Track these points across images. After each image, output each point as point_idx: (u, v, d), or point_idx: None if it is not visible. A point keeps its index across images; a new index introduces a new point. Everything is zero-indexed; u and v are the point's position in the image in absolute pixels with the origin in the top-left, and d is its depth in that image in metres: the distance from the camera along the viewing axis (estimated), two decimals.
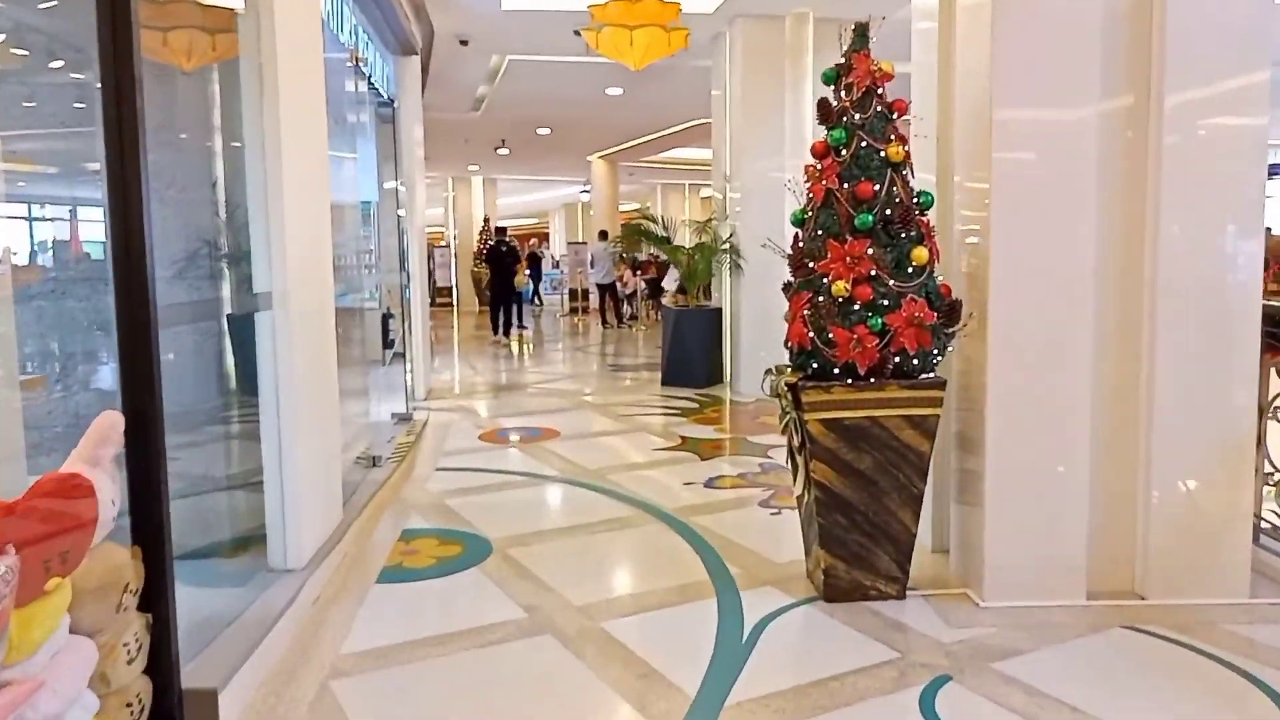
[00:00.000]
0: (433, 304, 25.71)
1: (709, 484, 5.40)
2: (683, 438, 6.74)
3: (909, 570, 3.51)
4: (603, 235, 17.63)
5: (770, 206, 8.59)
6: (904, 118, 3.50)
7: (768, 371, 3.82)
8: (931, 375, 3.44)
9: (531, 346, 14.15)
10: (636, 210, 33.56)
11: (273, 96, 3.49)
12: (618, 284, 17.53)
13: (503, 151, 18.60)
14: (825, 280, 3.36)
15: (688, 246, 9.03)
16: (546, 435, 6.85)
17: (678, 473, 5.72)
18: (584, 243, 22.24)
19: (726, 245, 8.82)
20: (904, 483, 3.44)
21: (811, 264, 3.45)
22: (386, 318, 7.32)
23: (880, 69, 3.45)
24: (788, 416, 3.58)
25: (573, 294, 21.33)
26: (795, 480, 3.72)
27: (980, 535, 3.51)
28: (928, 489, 3.54)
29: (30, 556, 1.46)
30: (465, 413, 7.92)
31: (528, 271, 25.83)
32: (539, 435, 6.86)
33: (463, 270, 26.28)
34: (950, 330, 3.41)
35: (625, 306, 18.64)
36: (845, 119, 3.44)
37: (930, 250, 3.36)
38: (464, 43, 9.12)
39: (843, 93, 3.50)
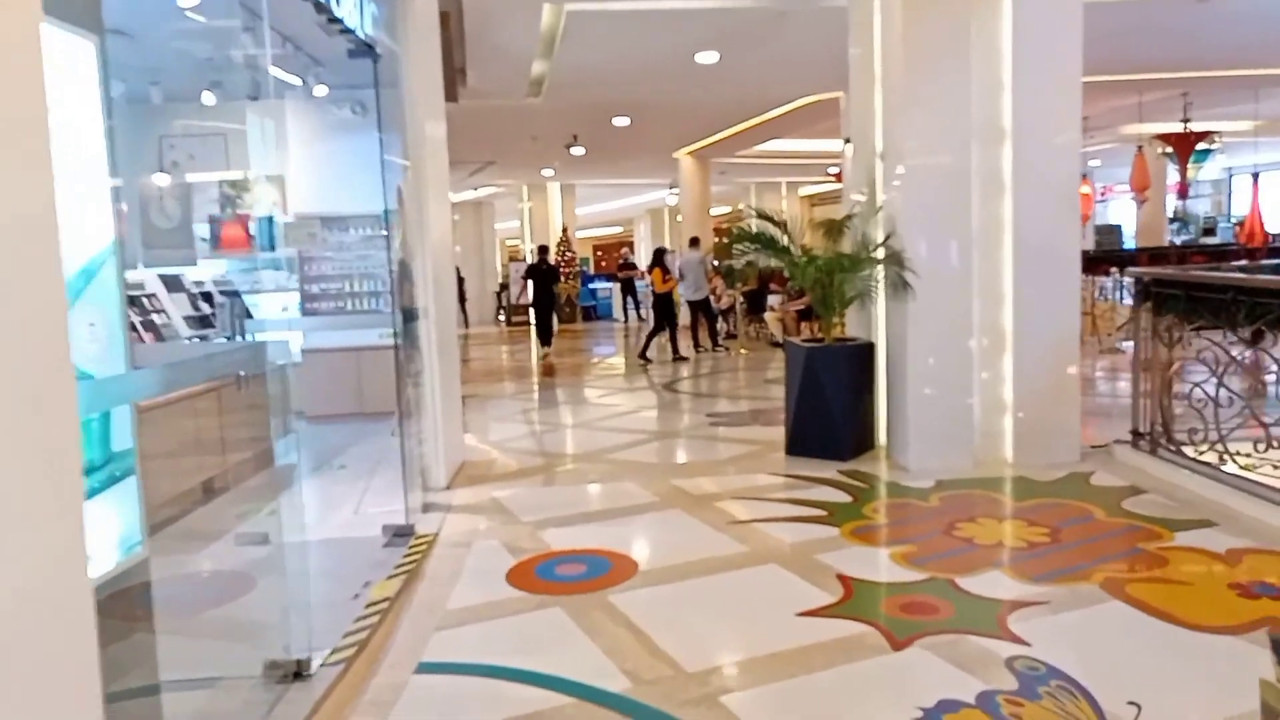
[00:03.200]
0: (509, 324, 23.59)
1: None
2: (846, 581, 3.96)
3: None
4: (694, 243, 14.88)
5: (951, 195, 5.76)
6: None
7: None
8: None
9: (626, 374, 11.54)
10: (727, 215, 30.80)
11: None
12: (711, 299, 14.74)
13: (577, 151, 16.07)
14: None
15: (820, 258, 6.23)
16: (616, 572, 4.17)
17: (857, 684, 2.97)
18: (672, 251, 19.58)
19: (882, 254, 6.01)
20: None
21: None
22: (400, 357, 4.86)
23: None
24: None
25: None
26: None
27: None
28: None
29: None
30: (499, 515, 5.29)
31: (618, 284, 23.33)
32: (604, 573, 4.18)
33: None
34: None
35: (720, 324, 15.83)
36: None
37: None
38: None
39: None
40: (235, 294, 7.78)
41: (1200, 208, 24.51)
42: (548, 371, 13.00)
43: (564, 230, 23.92)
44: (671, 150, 17.63)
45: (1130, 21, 8.64)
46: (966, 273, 5.86)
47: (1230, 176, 24.57)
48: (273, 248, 8.82)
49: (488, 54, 8.79)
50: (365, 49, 4.70)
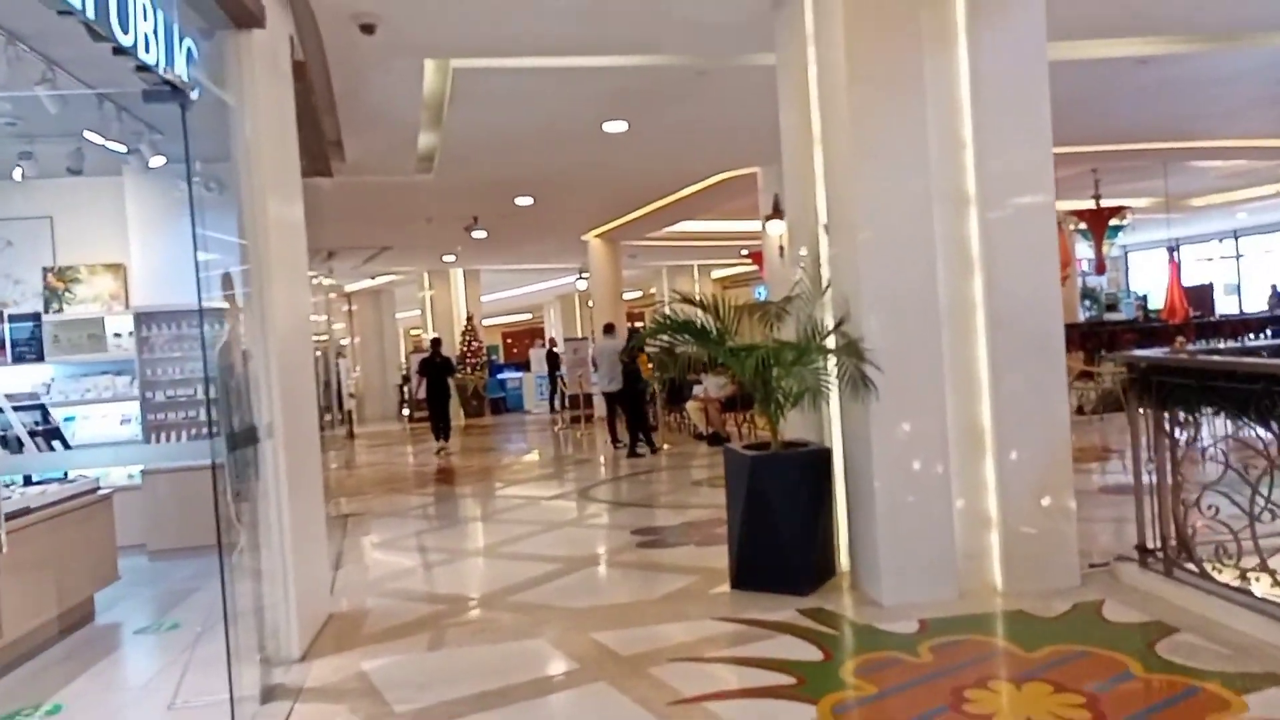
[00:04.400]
0: (411, 419, 22.01)
1: None
2: None
3: None
4: (608, 329, 13.85)
5: (913, 269, 4.87)
6: None
7: None
8: None
9: (538, 477, 10.25)
10: (639, 299, 30.09)
11: None
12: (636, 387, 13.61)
13: (479, 234, 15.02)
14: None
15: (761, 348, 5.20)
16: None
17: None
18: (584, 338, 18.56)
19: (833, 342, 5.03)
20: None
21: None
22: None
23: None
24: None
25: (573, 401, 17.50)
26: None
27: None
28: None
29: None
30: (365, 702, 3.96)
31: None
32: None
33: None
34: None
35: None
36: None
37: None
38: (367, 29, 5.48)
39: None
40: (36, 409, 6.29)
41: (1100, 284, 24.87)
42: (447, 478, 11.63)
43: (469, 319, 22.69)
44: (580, 233, 16.77)
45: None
46: (935, 362, 4.91)
47: (1126, 253, 25.04)
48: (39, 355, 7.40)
49: (365, 121, 7.70)
50: (167, 91, 3.51)
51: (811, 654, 4.19)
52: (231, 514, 3.98)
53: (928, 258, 4.91)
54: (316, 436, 5.34)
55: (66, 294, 7.87)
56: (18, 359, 7.15)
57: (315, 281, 18.80)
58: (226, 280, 4.23)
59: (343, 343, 27.15)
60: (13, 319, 7.26)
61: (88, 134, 5.79)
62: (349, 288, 24.55)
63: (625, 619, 4.91)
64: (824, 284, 5.33)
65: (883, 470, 4.84)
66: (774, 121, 5.90)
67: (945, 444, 4.91)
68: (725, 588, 5.33)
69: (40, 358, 7.30)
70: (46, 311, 7.73)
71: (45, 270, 7.83)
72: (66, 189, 7.64)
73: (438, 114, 7.88)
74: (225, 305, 4.17)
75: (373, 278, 23.13)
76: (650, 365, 13.59)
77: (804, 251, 5.62)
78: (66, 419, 7.73)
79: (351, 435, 19.17)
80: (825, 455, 5.25)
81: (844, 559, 5.40)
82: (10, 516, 4.76)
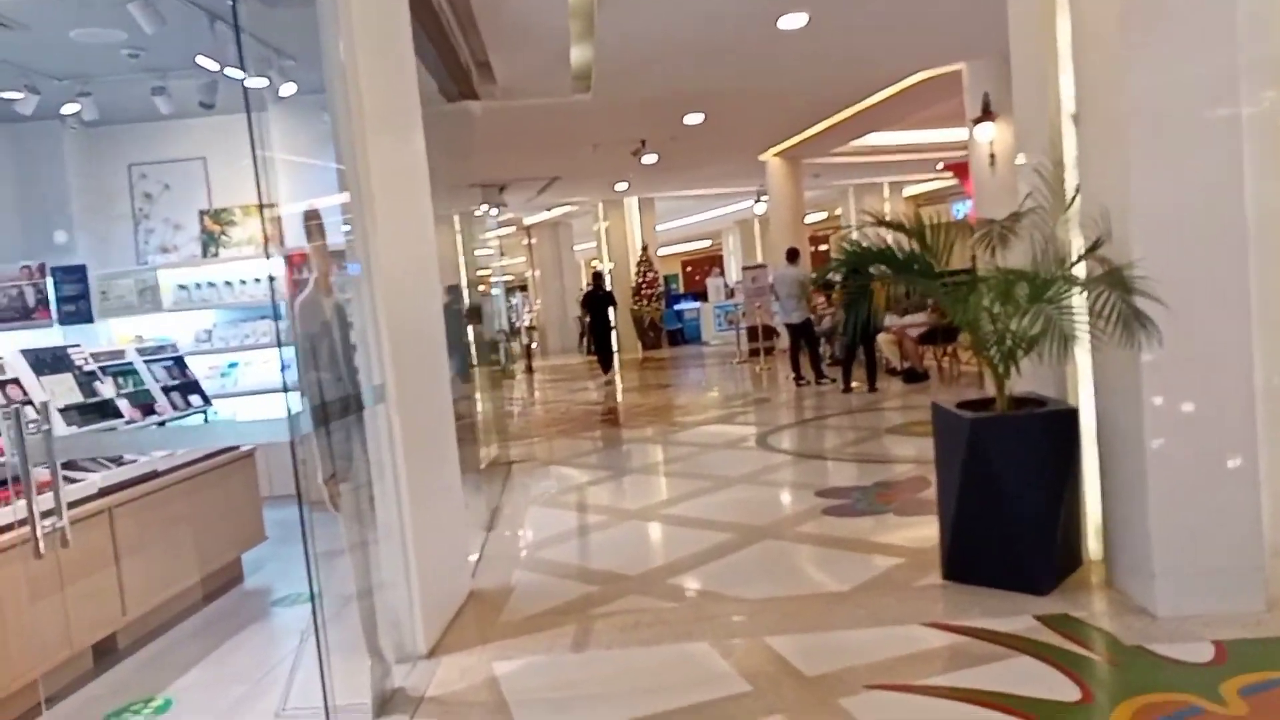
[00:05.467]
0: (588, 353, 21.74)
1: None
2: None
3: None
4: (792, 255, 12.67)
5: (1209, 172, 3.55)
6: None
7: None
8: None
9: (714, 417, 9.46)
10: (823, 222, 28.26)
11: None
12: (812, 320, 12.50)
13: (648, 159, 14.13)
14: None
15: (990, 279, 4.04)
16: None
17: None
18: (763, 265, 17.37)
19: (1084, 270, 3.80)
20: None
21: None
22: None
23: None
24: None
25: (751, 333, 16.47)
26: None
27: None
28: None
29: None
30: (490, 718, 3.29)
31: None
32: None
33: (621, 310, 22.08)
34: None
35: (824, 347, 13.51)
36: None
37: None
38: None
39: None
40: (172, 360, 6.00)
41: None
42: (616, 419, 11.03)
43: (644, 249, 22.01)
44: (757, 152, 15.51)
45: None
46: (1239, 297, 3.58)
47: None
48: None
49: (511, 36, 6.89)
50: None
51: (1063, 688, 3.13)
52: (326, 500, 3.35)
53: (1230, 157, 3.54)
54: (448, 391, 4.67)
55: (223, 237, 7.65)
56: (65, 320, 6.83)
57: (492, 214, 18.65)
58: (313, 221, 3.54)
59: (526, 275, 27.27)
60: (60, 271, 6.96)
61: (201, 60, 5.29)
62: (527, 221, 24.41)
63: (809, 618, 3.99)
64: (1070, 194, 4.06)
65: (1160, 439, 3.61)
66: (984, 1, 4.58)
67: (1250, 405, 3.61)
68: (935, 578, 4.30)
69: (88, 318, 6.94)
70: (204, 255, 7.55)
71: (201, 214, 7.63)
72: (218, 128, 7.36)
73: (588, 22, 6.95)
74: (310, 251, 3.49)
75: (548, 210, 22.82)
76: (831, 303, 12.40)
77: (1024, 159, 4.33)
78: (230, 365, 7.58)
79: (530, 370, 19.11)
80: (1070, 417, 4.05)
81: (1092, 544, 4.22)
82: (136, 482, 4.42)
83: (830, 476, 6.86)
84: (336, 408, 3.38)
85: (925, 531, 4.86)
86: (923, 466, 6.30)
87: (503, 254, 26.50)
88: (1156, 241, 3.57)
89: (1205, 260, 3.58)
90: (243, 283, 7.49)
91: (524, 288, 28.98)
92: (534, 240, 25.81)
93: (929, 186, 23.72)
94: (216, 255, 7.56)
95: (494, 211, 17.91)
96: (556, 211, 23.19)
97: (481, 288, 18.72)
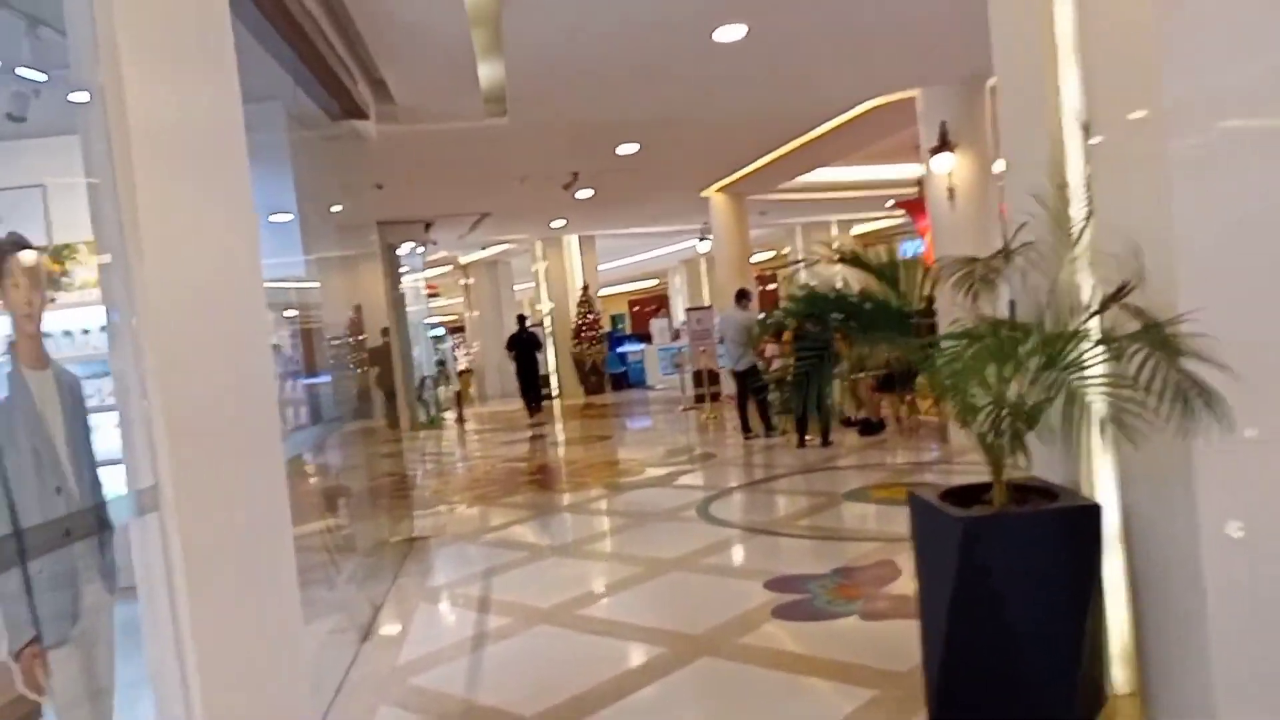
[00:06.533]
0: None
1: None
2: None
3: None
4: (741, 296, 11.76)
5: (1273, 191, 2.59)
6: None
7: None
8: None
9: (654, 479, 8.39)
10: (771, 260, 27.57)
11: None
12: (759, 366, 11.55)
13: (583, 194, 13.21)
14: None
15: (978, 333, 3.09)
16: None
17: None
18: (708, 307, 16.46)
19: (1116, 325, 2.87)
20: None
21: None
22: None
23: None
24: None
25: (697, 378, 15.50)
26: None
27: None
28: None
29: None
30: None
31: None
32: None
33: (562, 353, 21.04)
34: None
35: (773, 393, 12.54)
36: None
37: None
38: None
39: None
40: None
41: None
42: (544, 481, 9.94)
43: (584, 289, 21.04)
44: (699, 188, 14.68)
45: None
46: None
47: None
48: None
49: (401, 45, 5.88)
50: None
51: None
52: (18, 681, 2.23)
53: None
54: (280, 474, 3.55)
55: (64, 279, 6.46)
56: None
57: (418, 252, 17.49)
58: (5, 253, 2.46)
59: (465, 316, 26.02)
60: None
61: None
62: (463, 259, 23.31)
63: None
64: (1077, 224, 3.15)
65: (1221, 546, 2.67)
66: (944, 14, 3.69)
67: None
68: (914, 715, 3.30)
69: None
70: None
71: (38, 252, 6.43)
72: (59, 150, 6.21)
73: (494, 31, 6.00)
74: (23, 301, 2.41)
75: (483, 248, 21.78)
76: (781, 354, 11.48)
77: (1010, 180, 3.43)
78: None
79: (461, 419, 17.85)
80: (1090, 515, 3.09)
81: (1116, 674, 3.26)
82: None
83: (781, 559, 5.84)
84: (41, 538, 2.27)
85: (901, 645, 3.86)
86: (888, 546, 5.34)
87: (436, 294, 25.32)
88: (1211, 287, 2.66)
89: (1271, 311, 2.68)
90: (85, 332, 6.30)
91: (462, 329, 27.77)
92: (471, 280, 24.69)
93: (879, 224, 23.19)
94: (53, 301, 6.36)
95: (420, 249, 16.83)
96: (493, 250, 22.16)
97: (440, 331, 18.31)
